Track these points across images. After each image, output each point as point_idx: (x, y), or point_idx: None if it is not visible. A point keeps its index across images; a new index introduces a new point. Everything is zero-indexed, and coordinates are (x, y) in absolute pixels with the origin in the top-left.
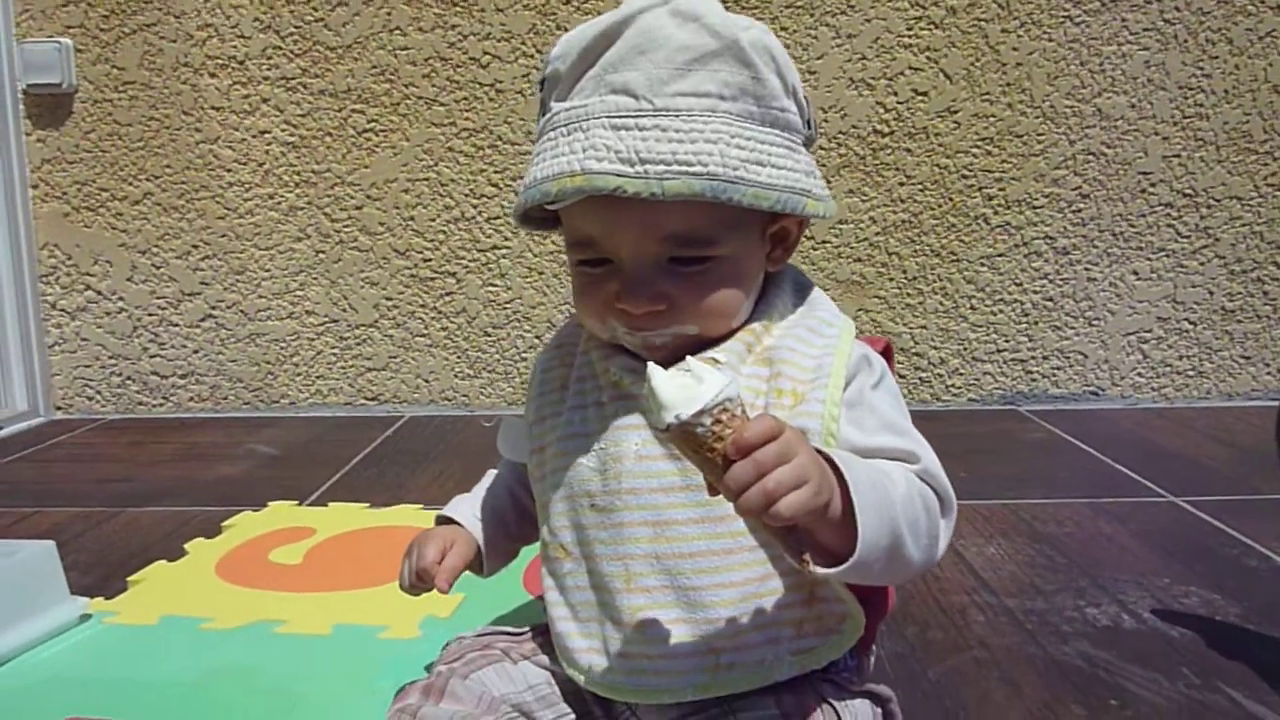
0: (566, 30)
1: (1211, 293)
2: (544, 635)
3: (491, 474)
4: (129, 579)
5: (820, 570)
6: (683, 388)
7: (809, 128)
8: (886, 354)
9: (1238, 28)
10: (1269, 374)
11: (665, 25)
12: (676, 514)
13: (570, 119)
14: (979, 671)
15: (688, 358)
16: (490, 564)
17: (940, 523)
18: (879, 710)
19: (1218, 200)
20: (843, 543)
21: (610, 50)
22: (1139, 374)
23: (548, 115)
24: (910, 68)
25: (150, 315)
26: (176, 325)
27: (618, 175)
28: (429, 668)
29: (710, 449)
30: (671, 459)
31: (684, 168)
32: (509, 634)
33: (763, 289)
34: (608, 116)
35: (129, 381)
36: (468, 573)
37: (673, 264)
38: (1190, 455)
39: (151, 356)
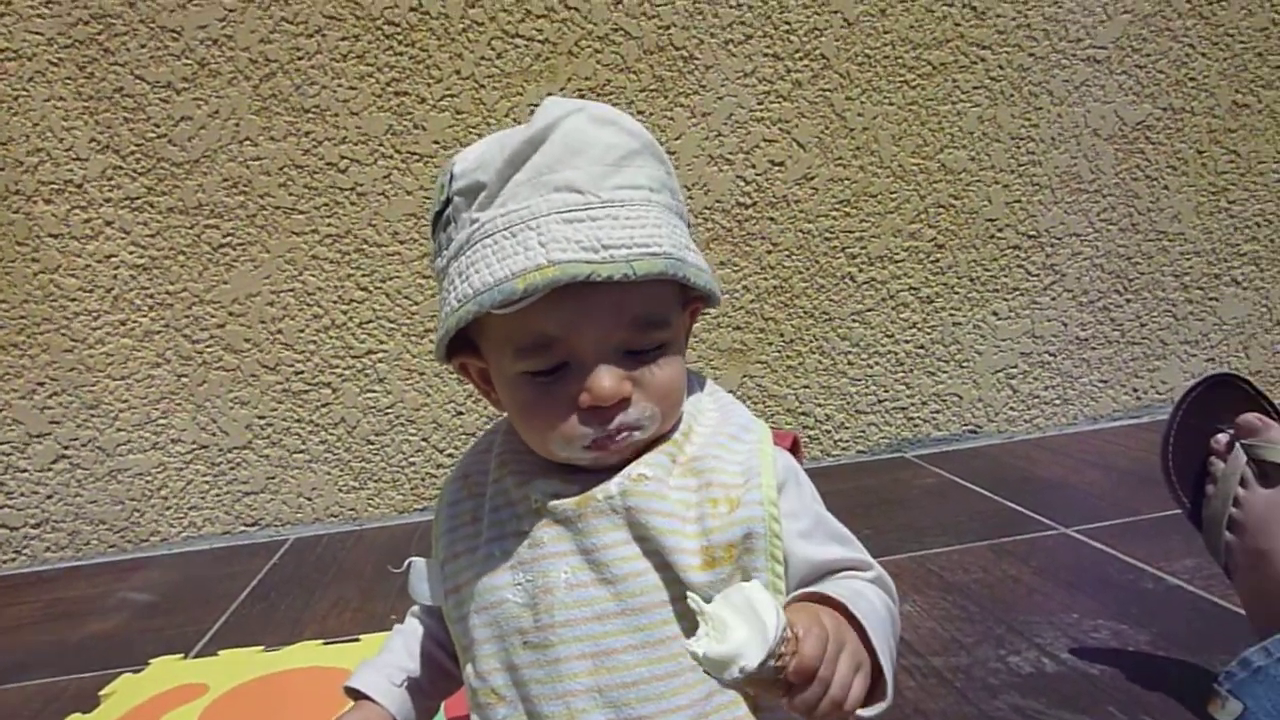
0: (425, 129)
1: (1065, 325)
2: None
3: (398, 631)
4: None
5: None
6: (742, 618)
7: (689, 226)
8: (795, 449)
9: (1055, 80)
10: (1126, 394)
11: (588, 128)
12: (615, 642)
13: (512, 221)
14: None
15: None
16: None
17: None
18: None
19: (1059, 239)
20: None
21: (538, 154)
22: (1011, 408)
23: (475, 225)
24: (765, 140)
25: None
26: (25, 471)
27: (587, 263)
28: None
29: (774, 681)
30: (604, 584)
31: (643, 249)
32: None
33: None
34: (557, 213)
35: None
36: None
37: (626, 355)
38: (1071, 483)
39: None
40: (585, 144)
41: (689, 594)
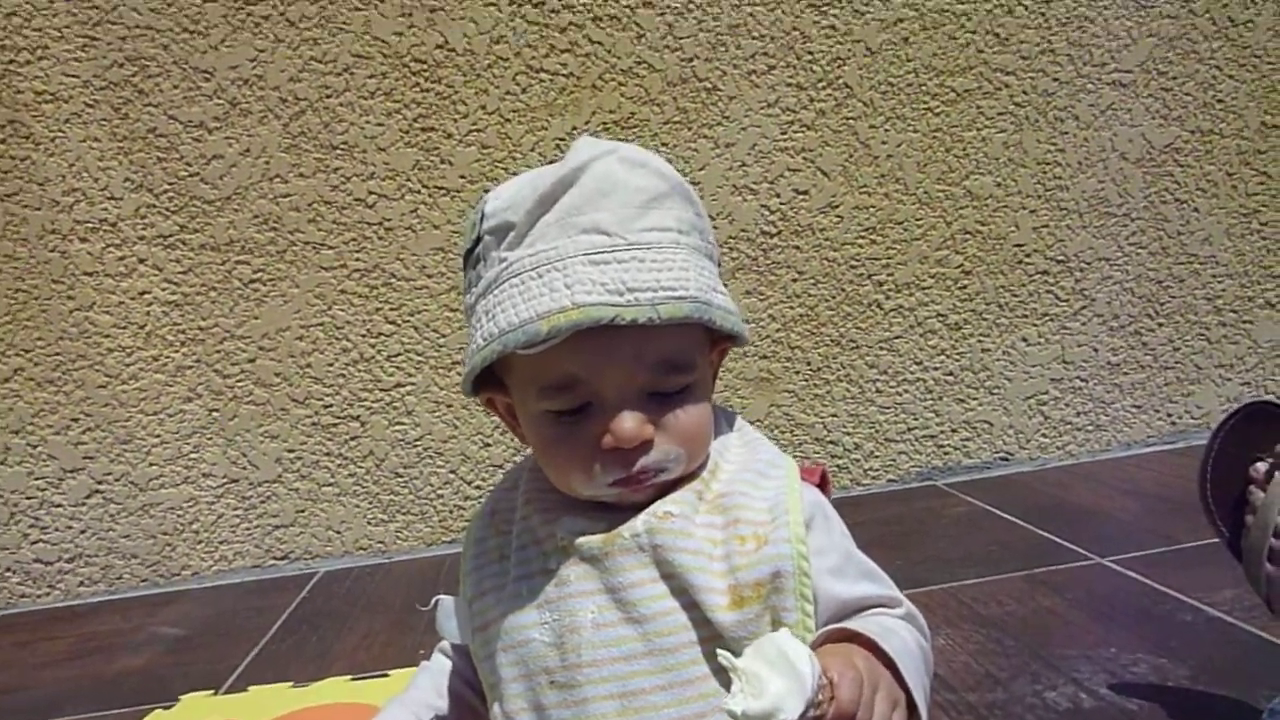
0: (451, 164)
1: (1096, 350)
2: None
3: (425, 668)
4: None
5: None
6: (776, 671)
7: (718, 265)
8: (824, 483)
9: (1081, 104)
10: (1160, 420)
11: (618, 170)
12: (642, 682)
13: (539, 261)
14: None
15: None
16: None
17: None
18: None
19: (1088, 263)
20: None
21: (568, 195)
22: (1043, 435)
23: (503, 264)
24: (789, 169)
25: (29, 499)
26: (59, 505)
27: (611, 305)
28: None
29: None
30: (631, 623)
31: (669, 293)
32: None
33: None
34: (584, 254)
35: (8, 573)
36: None
37: (651, 397)
38: (1105, 511)
39: (33, 543)
40: (614, 186)
41: (719, 651)
